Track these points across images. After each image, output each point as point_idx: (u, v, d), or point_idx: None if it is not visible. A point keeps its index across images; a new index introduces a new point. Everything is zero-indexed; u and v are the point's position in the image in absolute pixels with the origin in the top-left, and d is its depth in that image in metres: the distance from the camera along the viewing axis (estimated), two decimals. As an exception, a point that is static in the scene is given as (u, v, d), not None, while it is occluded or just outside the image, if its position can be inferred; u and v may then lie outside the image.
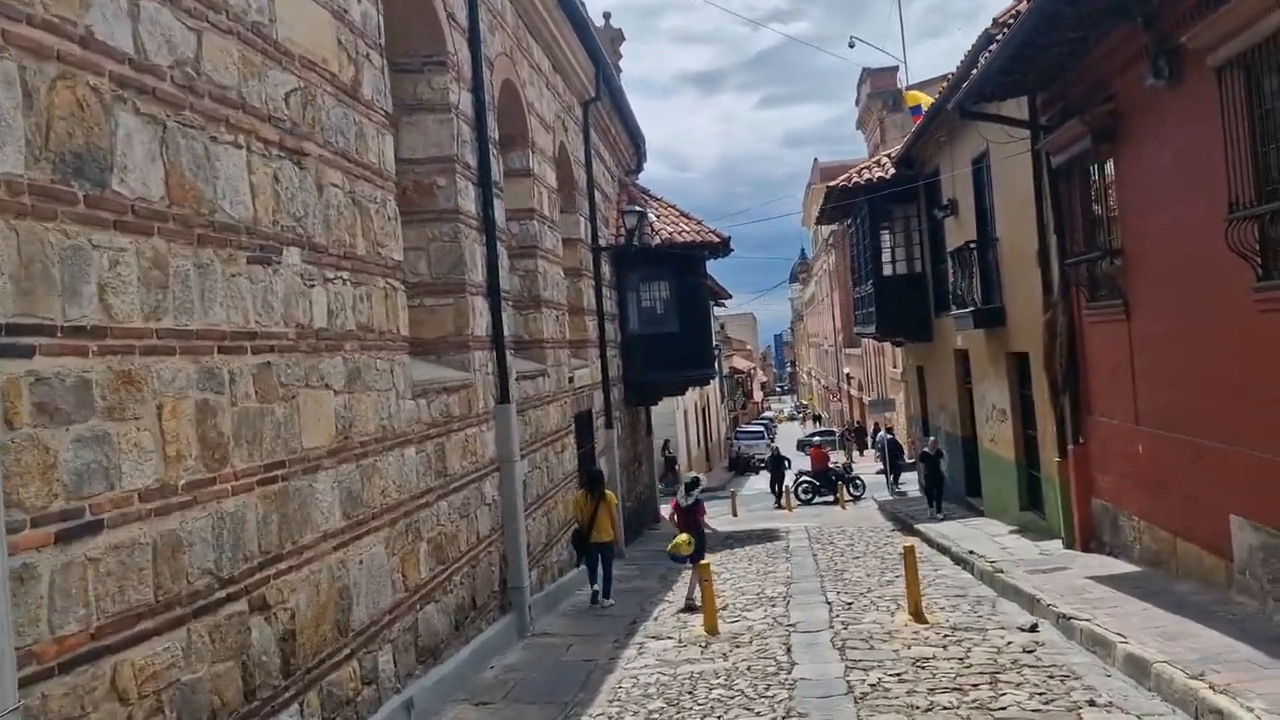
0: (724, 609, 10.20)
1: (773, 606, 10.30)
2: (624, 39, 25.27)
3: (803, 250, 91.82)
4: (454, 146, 8.70)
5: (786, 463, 27.46)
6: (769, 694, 6.71)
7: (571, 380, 13.54)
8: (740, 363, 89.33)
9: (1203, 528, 8.57)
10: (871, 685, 6.68)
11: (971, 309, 14.95)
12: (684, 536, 11.26)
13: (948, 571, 12.43)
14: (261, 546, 4.87)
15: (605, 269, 17.84)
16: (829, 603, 10.26)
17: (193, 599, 4.26)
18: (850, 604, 10.11)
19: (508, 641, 8.98)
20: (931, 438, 18.87)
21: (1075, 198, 11.03)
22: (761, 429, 53.40)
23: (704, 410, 43.46)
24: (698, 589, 10.29)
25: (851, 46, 28.52)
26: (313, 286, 5.67)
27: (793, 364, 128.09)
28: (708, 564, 9.53)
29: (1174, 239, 8.73)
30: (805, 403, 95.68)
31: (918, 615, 8.92)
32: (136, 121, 4.12)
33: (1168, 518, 9.40)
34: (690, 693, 7.00)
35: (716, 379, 51.35)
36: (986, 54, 11.13)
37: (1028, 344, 13.38)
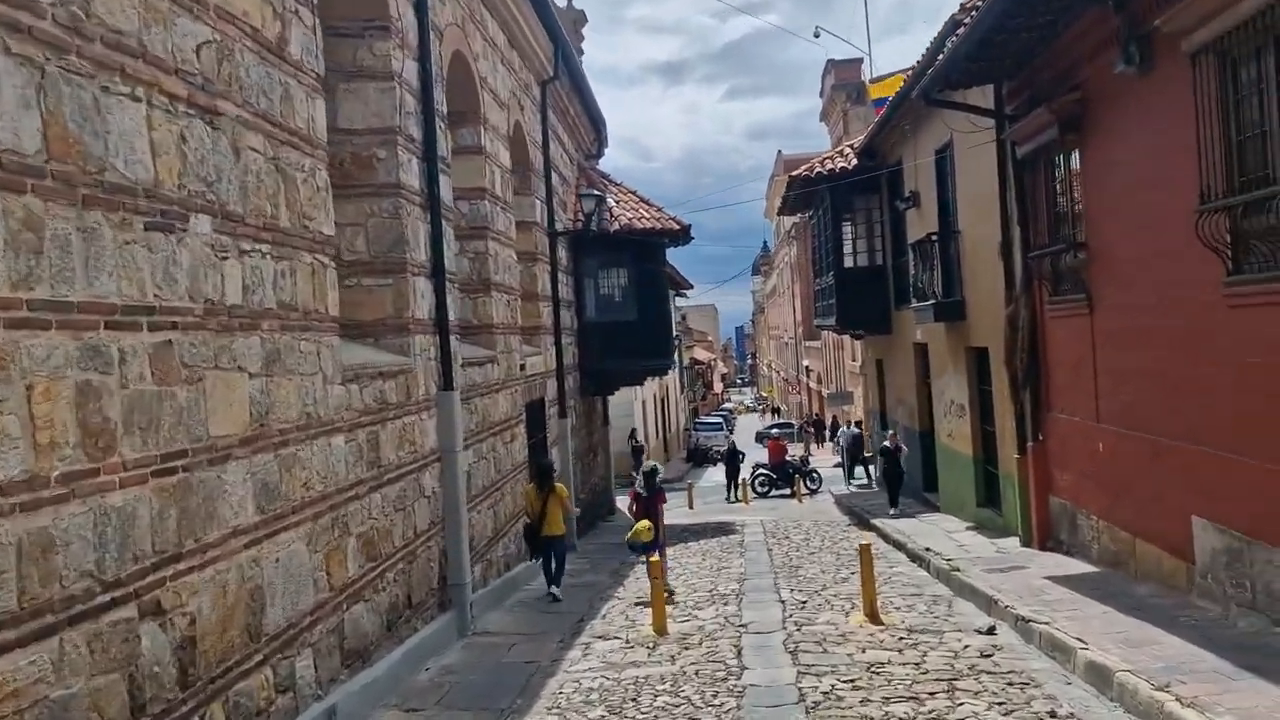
0: (674, 608, 9.85)
1: (725, 605, 9.96)
2: (586, 21, 24.79)
3: (765, 243, 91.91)
4: (396, 117, 8.21)
5: (741, 457, 27.14)
6: (716, 702, 6.35)
7: (523, 368, 13.09)
8: (701, 354, 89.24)
9: (1164, 529, 8.35)
10: (824, 693, 6.35)
11: (932, 302, 14.72)
12: (644, 523, 11.06)
13: (904, 569, 12.18)
14: (156, 545, 4.40)
15: (562, 254, 17.37)
16: (782, 601, 9.94)
17: (68, 605, 3.79)
18: (804, 603, 9.80)
19: (447, 641, 8.55)
20: (891, 431, 18.68)
21: (1040, 189, 10.78)
22: (720, 421, 53.27)
23: (663, 401, 43.16)
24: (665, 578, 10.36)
25: (816, 36, 28.18)
26: (226, 259, 5.18)
27: (754, 356, 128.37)
28: (658, 561, 9.15)
29: (1141, 232, 8.48)
30: (765, 395, 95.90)
31: (873, 616, 8.62)
32: (6, 63, 3.62)
33: (1128, 518, 9.19)
34: (634, 700, 6.62)
35: (676, 369, 51.12)
36: (953, 40, 10.83)
37: (988, 339, 13.17)
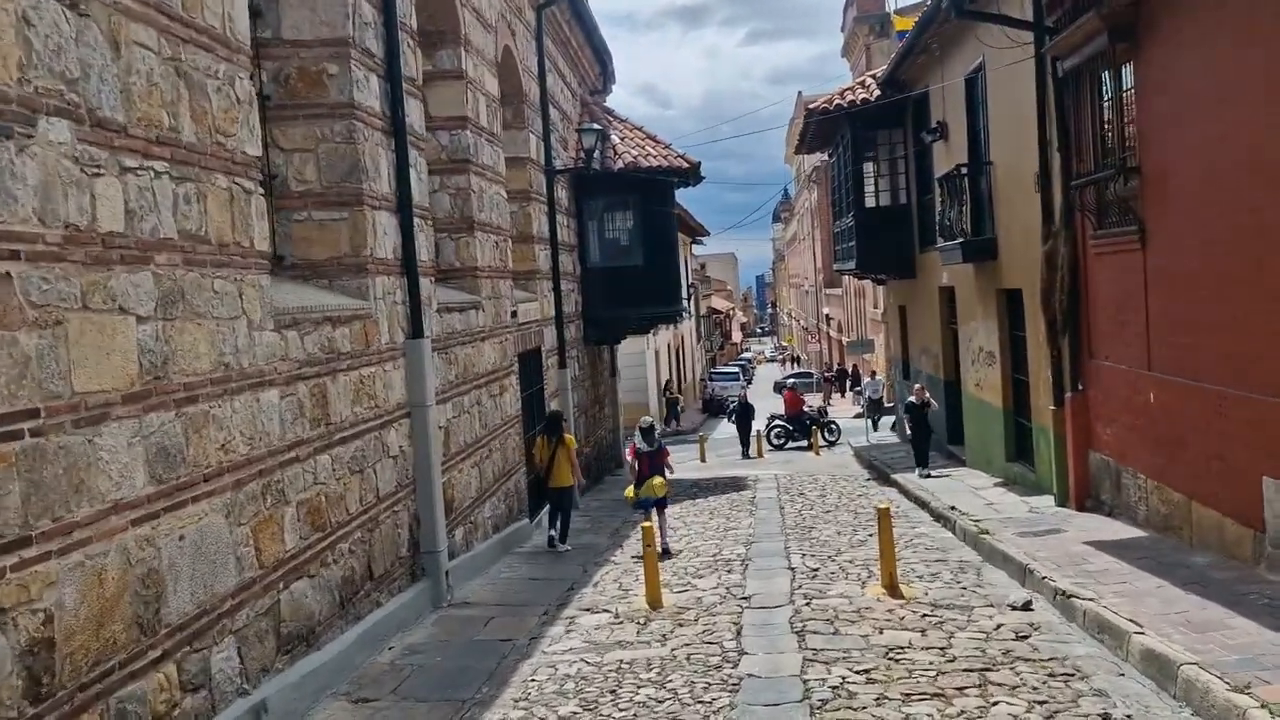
0: (671, 576, 8.98)
1: (728, 572, 9.08)
2: (592, -52, 23.36)
3: (786, 189, 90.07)
4: (349, 27, 7.18)
5: (754, 411, 24.85)
6: (707, 698, 5.46)
7: (515, 314, 12.13)
8: (719, 303, 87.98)
9: (1227, 491, 7.35)
10: (833, 688, 5.44)
11: (960, 241, 13.59)
12: (659, 479, 10.75)
13: (926, 530, 11.26)
14: (-14, 529, 3.51)
15: (562, 195, 16.33)
16: (792, 569, 9.05)
17: None
18: (816, 570, 8.90)
19: (417, 614, 7.72)
20: (918, 384, 16.69)
21: (1085, 109, 9.62)
22: (737, 371, 52.17)
23: (678, 351, 42.16)
24: (669, 535, 10.83)
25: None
26: (98, 175, 4.23)
27: (774, 305, 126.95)
28: (650, 527, 8.24)
29: (1209, 152, 7.36)
30: (785, 344, 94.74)
31: (892, 588, 7.71)
32: None
33: (1183, 478, 8.18)
34: (613, 691, 5.75)
35: (692, 318, 50.02)
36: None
37: (1022, 279, 12.07)
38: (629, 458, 11.83)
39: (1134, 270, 8.79)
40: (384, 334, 7.55)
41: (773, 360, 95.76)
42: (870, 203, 19.61)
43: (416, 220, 8.45)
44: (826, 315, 55.48)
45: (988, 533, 9.73)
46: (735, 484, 17.18)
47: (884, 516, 7.93)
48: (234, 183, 5.35)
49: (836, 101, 19.29)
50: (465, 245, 10.49)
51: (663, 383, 29.02)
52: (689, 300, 48.07)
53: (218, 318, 5.13)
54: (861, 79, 20.55)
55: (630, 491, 11.14)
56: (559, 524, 11.23)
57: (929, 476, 14.39)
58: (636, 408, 30.93)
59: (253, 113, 5.62)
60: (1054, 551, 8.51)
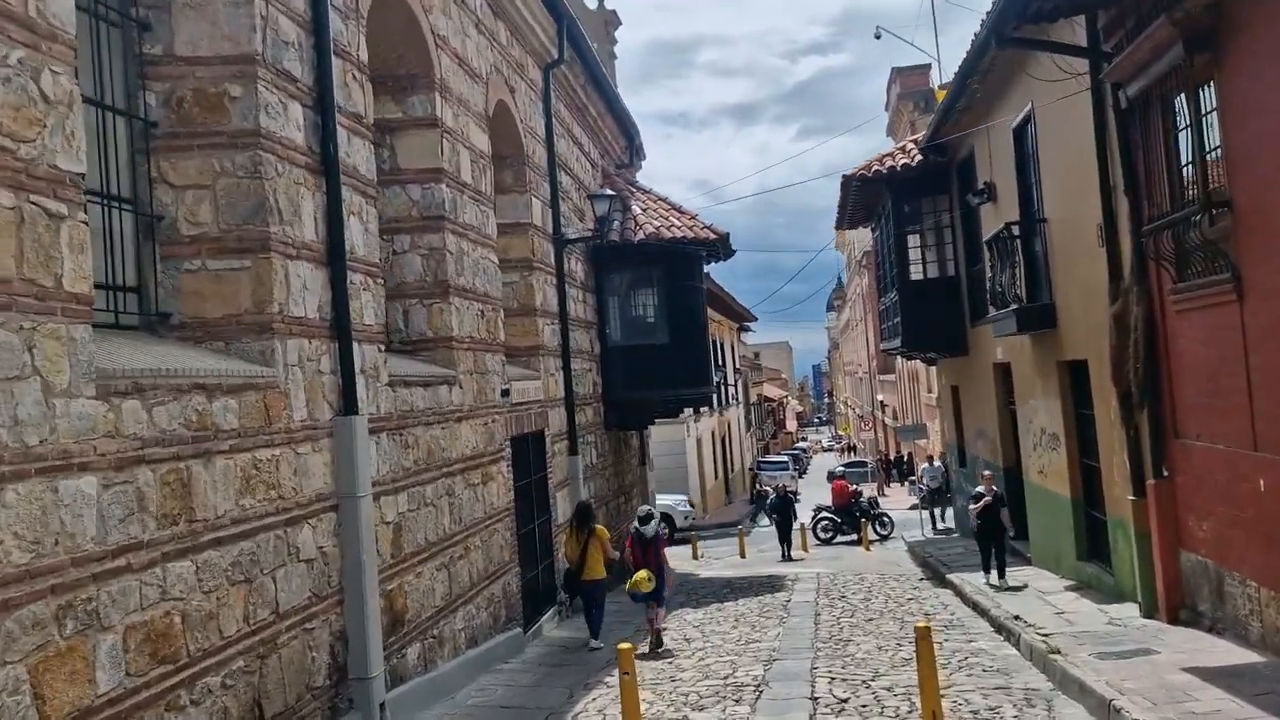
0: (665, 706, 7.31)
1: (735, 703, 7.40)
2: (619, 23, 22.81)
3: (839, 278, 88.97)
4: (257, 43, 6.03)
5: (795, 505, 22.10)
6: None
7: (506, 393, 10.76)
8: (771, 391, 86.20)
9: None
10: None
11: (1014, 308, 11.99)
12: (643, 573, 10.34)
13: (985, 644, 9.46)
14: None
15: (576, 267, 15.13)
16: (815, 698, 7.35)
17: None
18: (844, 702, 7.18)
19: (335, 761, 6.18)
20: (987, 471, 13.72)
21: (1155, 142, 8.12)
22: (787, 460, 50.07)
23: (724, 439, 40.42)
24: (659, 624, 10.45)
25: (878, 38, 25.71)
26: None
27: (830, 394, 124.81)
28: (629, 650, 6.58)
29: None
30: (842, 433, 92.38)
31: (937, 733, 5.98)
32: None
33: (1311, 588, 6.39)
34: None
35: (739, 405, 48.36)
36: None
37: (1087, 348, 10.42)
38: (626, 548, 11.08)
39: (1229, 328, 7.15)
40: (298, 408, 6.19)
41: (830, 449, 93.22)
42: (915, 274, 18.11)
43: (358, 276, 7.18)
44: (881, 402, 53.43)
45: (1059, 652, 7.94)
46: (771, 584, 15.39)
47: (923, 639, 6.23)
48: (28, 202, 4.08)
49: (875, 168, 17.97)
50: (439, 312, 9.21)
51: (751, 472, 25.98)
52: (736, 386, 46.76)
53: (-13, 378, 3.81)
54: (902, 144, 19.26)
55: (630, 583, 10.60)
56: (593, 620, 10.83)
57: (1005, 588, 11.71)
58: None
59: (72, 118, 4.39)
60: (1145, 681, 6.72)
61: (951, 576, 13.87)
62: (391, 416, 7.64)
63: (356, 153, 7.38)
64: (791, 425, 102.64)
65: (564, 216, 14.30)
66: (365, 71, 7.70)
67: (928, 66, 32.54)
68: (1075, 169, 10.21)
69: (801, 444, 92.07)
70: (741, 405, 49.23)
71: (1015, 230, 12.16)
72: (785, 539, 19.87)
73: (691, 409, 27.32)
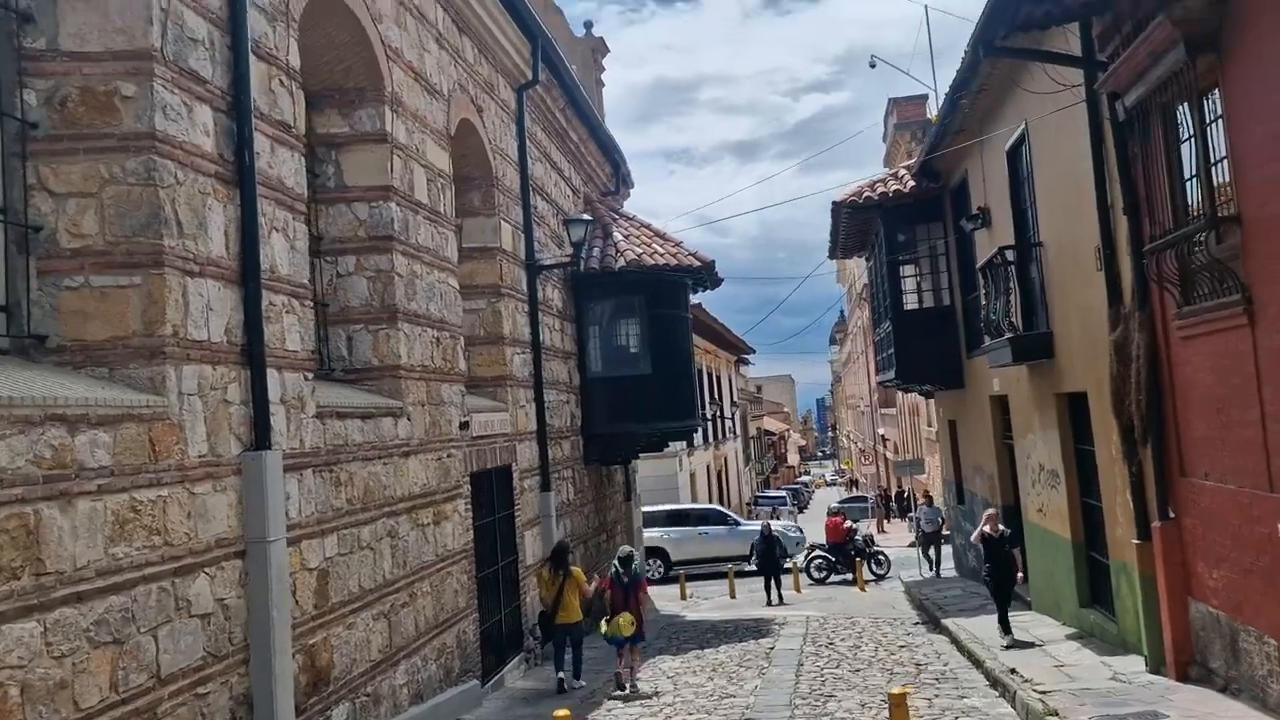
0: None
1: (695, 774, 6.65)
2: (607, 50, 22.32)
3: (842, 312, 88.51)
4: (155, 37, 5.43)
5: (783, 545, 21.00)
6: None
7: (465, 426, 10.08)
8: (773, 424, 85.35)
9: None
10: None
11: (1008, 337, 11.32)
12: (625, 616, 10.27)
13: (978, 701, 8.71)
14: None
15: (554, 294, 14.52)
16: (784, 768, 6.58)
17: None
18: (815, 773, 6.42)
19: (231, 844, 5.43)
20: (991, 510, 12.07)
21: (1156, 152, 7.49)
22: (785, 495, 49.14)
23: (720, 473, 39.60)
24: (637, 671, 10.42)
25: (872, 66, 25.25)
26: None
27: (834, 428, 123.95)
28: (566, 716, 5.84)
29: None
30: (844, 467, 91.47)
31: (913, 816, 5.23)
32: None
33: (1338, 648, 5.66)
34: None
35: (737, 439, 47.52)
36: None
37: (1086, 379, 9.75)
38: (604, 588, 10.85)
39: (1240, 354, 6.48)
40: (195, 442, 5.52)
41: (832, 484, 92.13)
42: (910, 304, 17.50)
43: (280, 297, 6.54)
44: (882, 436, 52.63)
45: (1057, 714, 7.19)
46: (757, 629, 14.61)
47: (898, 706, 5.49)
48: None
49: (866, 194, 17.39)
50: (386, 339, 8.55)
51: (763, 520, 24.78)
52: (733, 419, 45.92)
53: None
54: (894, 170, 18.70)
55: (603, 625, 10.49)
56: (570, 662, 10.57)
57: (1016, 645, 10.43)
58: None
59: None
60: (1153, 752, 5.97)
61: (947, 621, 13.11)
62: (320, 451, 6.96)
63: (282, 164, 6.77)
64: (793, 459, 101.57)
65: (540, 242, 13.70)
66: (296, 78, 7.11)
67: (925, 97, 32.12)
68: (1071, 189, 9.59)
69: (803, 478, 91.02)
70: (739, 438, 48.41)
71: (1009, 255, 11.52)
72: (771, 582, 18.59)
73: (684, 442, 26.61)
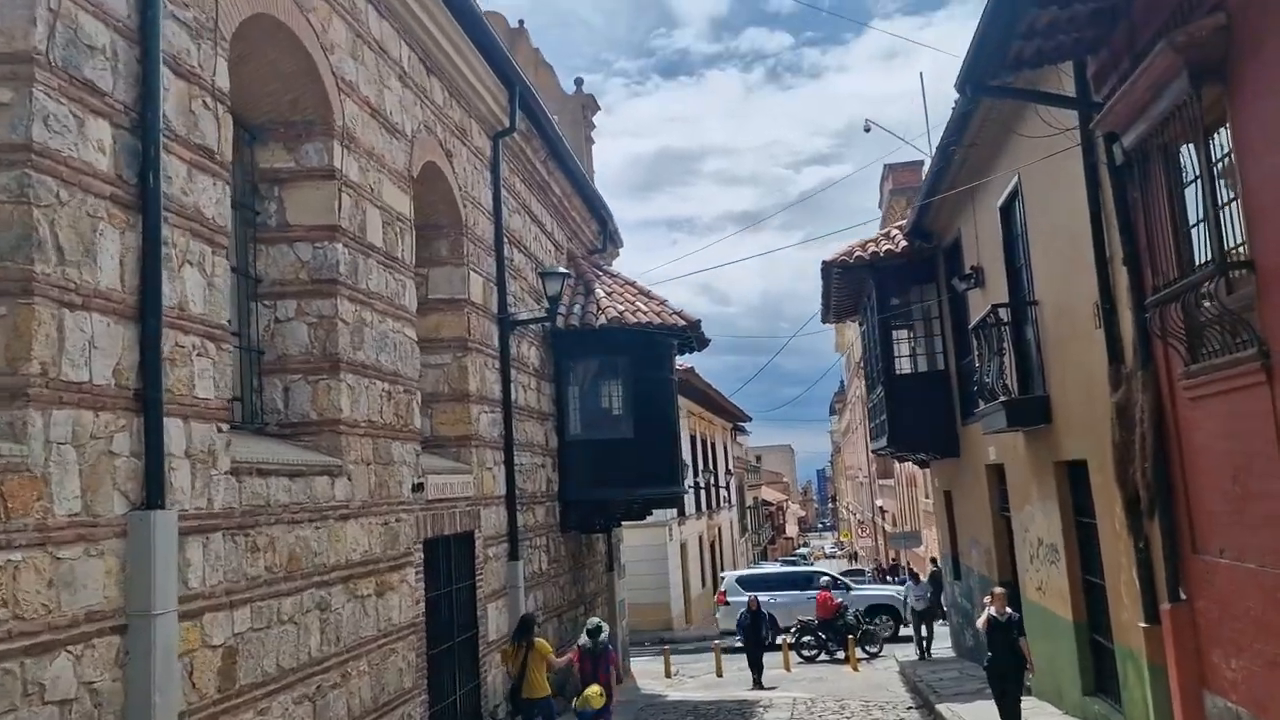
0: None
1: None
2: (598, 108, 22.09)
3: (841, 382, 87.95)
4: (38, 39, 4.87)
5: (768, 624, 19.55)
6: None
7: (420, 488, 9.35)
8: (771, 494, 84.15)
9: None
10: None
11: (1002, 401, 10.65)
12: (595, 688, 10.46)
13: (972, 803, 7.80)
14: None
15: (530, 352, 13.88)
16: None
17: None
18: None
19: None
20: (999, 589, 10.79)
21: (1158, 196, 6.90)
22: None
23: (714, 544, 38.54)
24: None
25: (867, 130, 25.06)
26: None
27: (833, 499, 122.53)
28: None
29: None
30: (844, 539, 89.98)
31: None
32: None
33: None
34: None
35: (735, 509, 46.48)
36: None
37: (1086, 446, 9.05)
38: (574, 660, 10.77)
39: (1257, 415, 5.79)
40: (63, 499, 4.81)
41: (831, 556, 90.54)
42: (903, 367, 16.88)
43: (187, 338, 5.88)
44: (880, 507, 51.60)
45: (1059, 824, 6.33)
46: (741, 712, 13.69)
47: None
48: None
49: (858, 254, 16.88)
50: (326, 390, 7.87)
51: (929, 581, 24.04)
52: (729, 488, 44.91)
53: None
54: (886, 230, 18.23)
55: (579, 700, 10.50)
56: None
57: None
58: (653, 610, 27.39)
59: None
60: None
61: (941, 707, 12.23)
62: (232, 512, 6.23)
63: (202, 192, 6.17)
64: (792, 530, 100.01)
65: (515, 297, 13.11)
66: (223, 100, 6.55)
67: (920, 163, 31.84)
68: (1067, 242, 9.01)
69: (801, 550, 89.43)
70: (735, 508, 47.38)
71: (1003, 314, 10.91)
72: (755, 662, 17.33)
73: (674, 510, 25.75)
